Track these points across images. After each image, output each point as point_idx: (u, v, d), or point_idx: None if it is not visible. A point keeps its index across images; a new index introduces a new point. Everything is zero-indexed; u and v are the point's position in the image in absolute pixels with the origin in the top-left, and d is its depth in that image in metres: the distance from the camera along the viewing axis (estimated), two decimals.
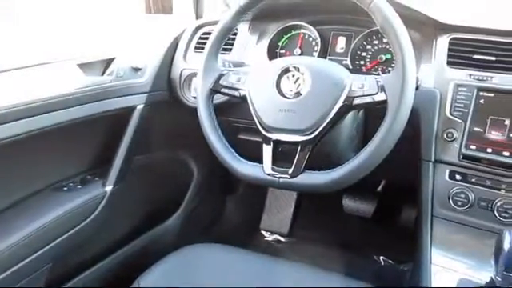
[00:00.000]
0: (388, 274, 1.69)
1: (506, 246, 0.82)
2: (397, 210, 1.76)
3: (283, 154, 0.91)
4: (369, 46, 1.17)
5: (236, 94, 0.96)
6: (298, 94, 0.87)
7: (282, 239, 1.98)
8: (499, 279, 0.84)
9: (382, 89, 0.82)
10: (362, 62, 1.18)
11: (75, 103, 1.06)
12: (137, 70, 1.24)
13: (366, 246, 1.81)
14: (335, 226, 1.90)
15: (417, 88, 0.92)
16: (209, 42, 0.98)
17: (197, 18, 1.49)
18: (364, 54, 1.18)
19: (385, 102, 0.81)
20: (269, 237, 2.00)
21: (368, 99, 0.83)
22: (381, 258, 1.79)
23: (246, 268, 1.04)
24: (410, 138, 1.02)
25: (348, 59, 1.17)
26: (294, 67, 0.88)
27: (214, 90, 0.97)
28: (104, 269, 1.31)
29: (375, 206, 1.76)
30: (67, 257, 1.17)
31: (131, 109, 1.24)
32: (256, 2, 0.95)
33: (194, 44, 1.33)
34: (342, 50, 1.20)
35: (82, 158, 1.26)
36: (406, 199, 1.73)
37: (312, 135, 0.85)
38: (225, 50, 1.26)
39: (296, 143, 0.87)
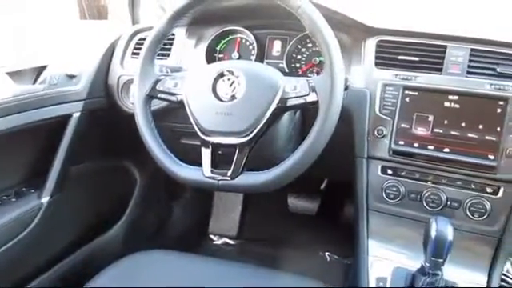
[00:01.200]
0: (333, 268, 1.75)
1: (433, 234, 0.88)
2: (339, 206, 1.82)
3: (223, 156, 0.92)
4: (303, 49, 1.21)
5: (173, 98, 0.96)
6: (234, 97, 0.89)
7: (231, 242, 1.99)
8: (428, 264, 0.90)
9: (314, 90, 0.85)
10: (297, 65, 1.22)
11: (5, 113, 1.02)
12: (71, 77, 1.21)
13: (312, 243, 1.86)
14: (282, 225, 1.94)
15: (346, 88, 0.96)
16: (143, 48, 0.98)
17: (133, 24, 1.47)
18: (299, 56, 1.22)
19: (316, 102, 0.85)
20: (217, 240, 2.01)
21: (301, 100, 0.87)
22: (326, 253, 1.84)
23: (192, 272, 1.04)
24: (345, 136, 1.07)
25: (284, 62, 1.20)
26: (229, 71, 0.90)
27: (151, 95, 0.97)
28: (46, 281, 1.27)
29: (319, 203, 1.81)
30: (6, 271, 1.12)
31: (67, 117, 1.20)
32: (190, 8, 0.96)
33: (130, 50, 1.32)
34: (278, 54, 1.24)
35: (17, 169, 1.21)
36: (347, 195, 1.80)
37: (249, 137, 0.87)
38: (163, 55, 1.26)
39: (234, 145, 0.89)
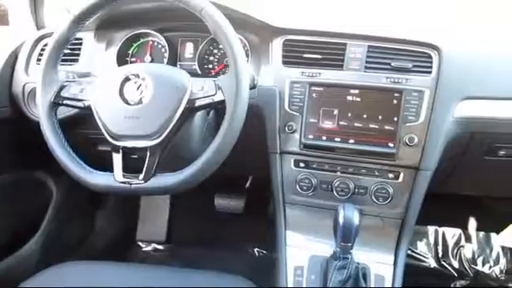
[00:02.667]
0: (262, 264, 1.79)
1: (341, 220, 0.93)
2: (264, 201, 1.86)
3: (136, 160, 0.91)
4: (215, 51, 1.23)
5: (80, 104, 0.94)
6: (142, 100, 0.88)
7: (160, 247, 1.97)
8: (338, 249, 0.95)
9: (220, 89, 0.87)
10: (210, 66, 1.23)
11: None
12: None
13: (240, 241, 1.89)
14: (210, 225, 1.95)
15: (254, 87, 1.00)
16: (45, 54, 0.95)
17: (38, 29, 1.41)
18: (211, 58, 1.24)
19: (223, 101, 0.87)
20: (146, 247, 1.97)
21: (208, 100, 0.88)
22: (255, 249, 1.88)
23: (115, 280, 1.02)
24: (259, 133, 1.11)
25: (196, 64, 1.21)
26: (134, 74, 0.90)
27: (56, 102, 0.94)
28: None
29: (245, 201, 1.84)
30: None
31: None
32: (92, 12, 0.94)
33: (35, 56, 1.26)
34: (191, 56, 1.25)
35: None
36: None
37: (159, 139, 0.87)
38: (72, 60, 1.23)
39: (145, 148, 0.88)
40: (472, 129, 1.02)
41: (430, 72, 1.01)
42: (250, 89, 0.95)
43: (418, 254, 1.85)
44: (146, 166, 0.88)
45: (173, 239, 1.95)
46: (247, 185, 1.88)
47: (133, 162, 0.92)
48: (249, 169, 1.52)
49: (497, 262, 1.82)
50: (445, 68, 1.00)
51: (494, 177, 1.24)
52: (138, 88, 0.89)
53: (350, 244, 0.94)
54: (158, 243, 1.96)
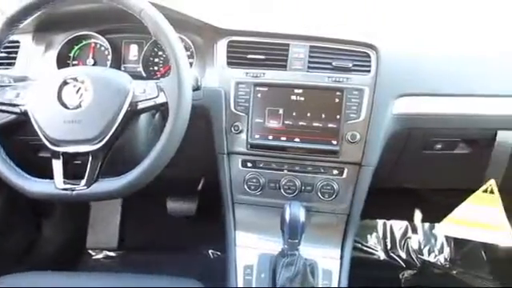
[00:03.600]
0: (216, 265, 1.79)
1: (287, 217, 0.95)
2: (217, 203, 1.86)
3: (79, 165, 0.89)
4: (160, 52, 1.22)
5: (16, 110, 0.91)
6: (81, 104, 0.86)
7: (112, 254, 1.92)
8: (286, 246, 0.97)
9: (162, 91, 0.87)
10: (155, 68, 1.22)
11: None
12: None
13: (194, 243, 1.88)
14: (163, 229, 1.93)
15: (198, 88, 1.00)
16: None
17: None
18: (156, 60, 1.22)
19: (166, 103, 0.86)
20: (97, 255, 1.92)
21: (151, 102, 0.88)
22: (210, 251, 1.88)
23: None
24: (206, 134, 1.11)
25: (141, 66, 1.20)
26: (72, 78, 0.87)
27: None
28: None
29: (197, 203, 1.83)
30: None
31: None
32: (27, 13, 0.91)
33: None
34: (135, 58, 1.23)
35: None
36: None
37: (101, 143, 0.86)
38: (8, 64, 1.18)
39: (86, 153, 0.87)
40: (409, 125, 1.07)
41: (369, 71, 1.05)
42: (194, 90, 0.95)
43: (367, 247, 1.92)
44: (88, 171, 0.86)
45: (125, 245, 1.91)
46: (199, 187, 1.87)
47: (76, 168, 0.90)
48: (200, 170, 1.51)
49: (441, 251, 1.91)
50: (382, 67, 1.04)
51: (433, 170, 1.30)
52: (77, 91, 0.87)
53: (296, 241, 0.96)
54: (110, 250, 1.91)
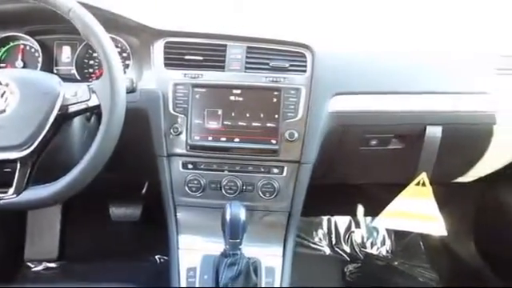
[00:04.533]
0: (163, 270, 1.76)
1: (228, 217, 0.95)
2: (162, 206, 1.83)
3: (8, 173, 0.85)
4: (95, 54, 1.18)
5: None
6: (6, 108, 0.82)
7: (53, 265, 1.83)
8: (228, 247, 0.97)
9: (94, 94, 0.84)
10: (90, 71, 1.19)
11: None
12: None
13: (140, 249, 1.84)
14: (106, 236, 1.87)
15: (134, 90, 0.98)
16: None
17: None
18: (91, 62, 1.19)
19: (99, 106, 0.84)
20: (36, 266, 1.83)
21: (82, 106, 0.85)
22: (156, 257, 1.84)
23: None
24: (145, 137, 1.09)
25: (74, 69, 1.16)
26: None
27: None
28: None
29: (142, 207, 1.80)
30: None
31: None
32: None
33: None
34: (69, 60, 1.19)
35: None
36: None
37: (29, 150, 0.82)
38: None
39: (14, 160, 0.82)
40: (345, 122, 1.11)
41: (305, 71, 1.07)
42: (130, 92, 0.93)
43: (313, 243, 1.96)
44: (16, 178, 0.83)
45: (66, 255, 1.83)
46: (143, 191, 1.83)
47: (5, 176, 0.85)
48: (142, 174, 1.48)
49: (383, 243, 1.99)
50: (318, 67, 1.07)
51: (371, 166, 1.35)
52: (1, 96, 0.83)
53: (238, 240, 0.96)
54: (50, 261, 1.82)
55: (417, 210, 1.19)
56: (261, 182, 1.10)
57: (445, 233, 1.23)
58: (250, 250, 1.04)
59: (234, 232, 0.95)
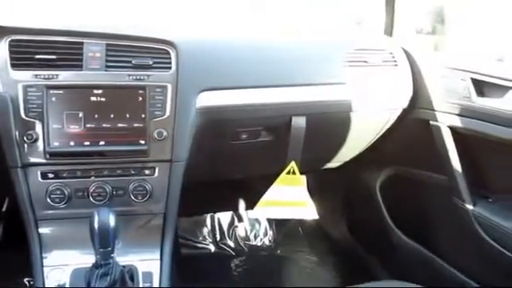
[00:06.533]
0: None
1: (96, 226, 0.89)
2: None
3: None
4: None
5: None
6: None
7: None
8: (99, 257, 0.91)
9: None
10: None
11: None
12: None
13: (6, 273, 1.64)
14: None
15: None
16: None
17: None
18: None
19: None
20: None
21: None
22: (25, 280, 1.66)
23: None
24: None
25: None
26: None
27: None
28: None
29: (2, 227, 1.61)
30: None
31: None
32: None
33: None
34: None
35: None
36: None
37: None
38: None
39: None
40: (214, 117, 1.11)
41: (169, 68, 1.05)
42: None
43: (198, 242, 1.95)
44: None
45: None
46: (4, 208, 1.64)
47: None
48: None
49: (266, 234, 2.05)
50: (182, 63, 1.05)
51: (246, 159, 1.38)
52: None
53: (109, 249, 0.91)
54: None
55: (289, 198, 1.25)
56: (132, 184, 1.05)
57: (316, 216, 1.31)
58: (124, 256, 0.99)
59: (103, 240, 0.89)
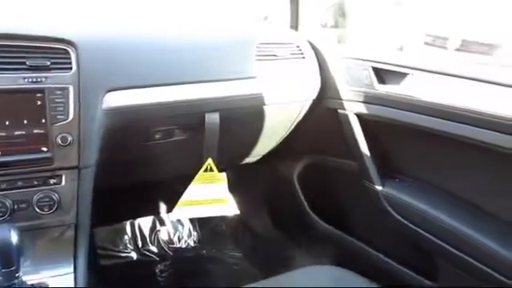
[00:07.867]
0: None
1: None
2: None
3: None
4: None
5: None
6: None
7: None
8: (2, 278, 0.83)
9: None
10: None
11: None
12: None
13: None
14: None
15: None
16: None
17: None
18: None
19: None
20: None
21: None
22: None
23: None
24: None
25: None
26: None
27: None
28: None
29: None
30: None
31: None
32: None
33: None
34: None
35: None
36: None
37: None
38: None
39: None
40: (123, 118, 1.06)
41: (70, 68, 0.98)
42: None
43: (118, 251, 1.86)
44: None
45: None
46: None
47: None
48: None
49: (190, 235, 2.02)
50: (84, 63, 0.99)
51: (161, 160, 1.34)
52: None
53: (13, 268, 0.82)
54: None
55: (208, 195, 1.24)
56: (36, 196, 0.97)
57: (237, 211, 1.32)
58: (34, 274, 0.91)
59: (5, 260, 0.81)
